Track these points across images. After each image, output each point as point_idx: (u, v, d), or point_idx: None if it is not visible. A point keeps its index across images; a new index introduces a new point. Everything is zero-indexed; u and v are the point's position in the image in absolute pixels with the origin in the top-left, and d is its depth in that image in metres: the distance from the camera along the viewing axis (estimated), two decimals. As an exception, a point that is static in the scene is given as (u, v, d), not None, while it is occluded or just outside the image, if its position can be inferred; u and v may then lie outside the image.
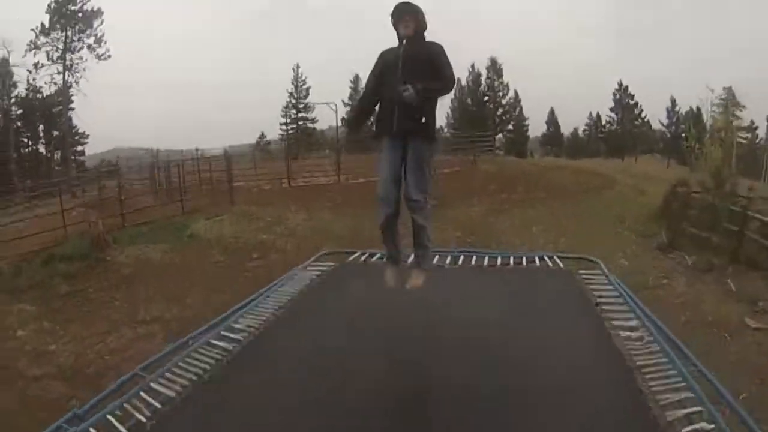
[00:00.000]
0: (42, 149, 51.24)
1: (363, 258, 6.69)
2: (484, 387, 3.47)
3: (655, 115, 56.17)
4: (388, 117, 4.22)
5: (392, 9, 4.36)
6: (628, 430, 3.10)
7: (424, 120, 4.17)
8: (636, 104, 56.30)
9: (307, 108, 57.95)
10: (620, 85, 56.19)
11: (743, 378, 7.24)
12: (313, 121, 58.42)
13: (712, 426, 2.91)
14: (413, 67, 4.16)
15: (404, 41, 4.30)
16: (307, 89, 58.10)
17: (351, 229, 14.79)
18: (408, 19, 4.27)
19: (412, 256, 4.58)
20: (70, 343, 9.27)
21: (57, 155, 50.92)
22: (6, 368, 8.69)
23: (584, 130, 59.58)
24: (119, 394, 3.54)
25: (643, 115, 56.36)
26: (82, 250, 13.03)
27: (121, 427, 3.13)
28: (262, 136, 56.30)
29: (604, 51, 76.36)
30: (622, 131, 55.78)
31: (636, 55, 79.15)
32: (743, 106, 40.32)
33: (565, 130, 59.95)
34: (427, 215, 4.32)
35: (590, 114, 58.96)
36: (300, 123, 57.86)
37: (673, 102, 54.36)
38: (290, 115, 57.93)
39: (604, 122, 58.21)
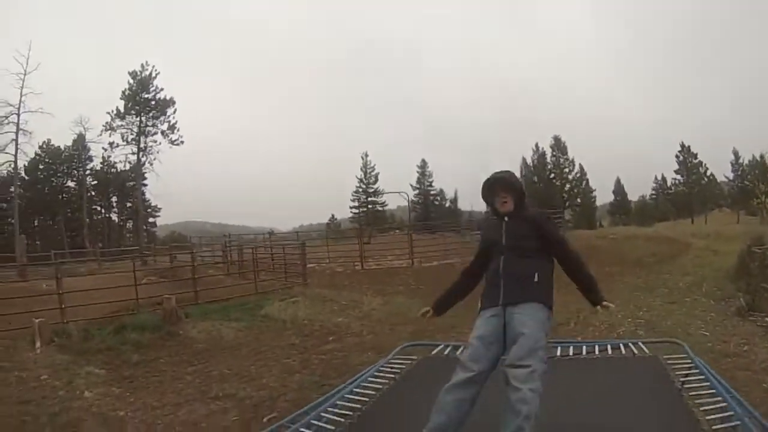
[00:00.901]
0: (114, 217, 53.36)
1: (446, 352, 6.41)
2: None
3: (720, 169, 55.96)
4: (495, 290, 3.82)
5: (482, 185, 4.06)
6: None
7: (537, 278, 3.80)
8: (700, 163, 56.45)
9: (376, 193, 59.24)
10: (683, 146, 56.80)
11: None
12: (383, 204, 59.70)
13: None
14: (518, 242, 3.86)
15: (505, 218, 3.97)
16: (376, 175, 59.66)
17: None
18: (504, 195, 3.96)
19: None
20: (139, 410, 9.17)
21: (129, 224, 52.86)
22: (72, 427, 8.62)
23: (651, 195, 59.95)
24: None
25: (708, 173, 56.25)
26: (154, 323, 13.18)
27: None
28: (333, 218, 57.22)
29: (663, 115, 76.35)
30: (689, 191, 55.43)
31: (695, 113, 79.11)
32: (808, 145, 39.66)
33: (632, 195, 60.38)
34: (537, 390, 3.35)
35: (655, 177, 59.17)
36: (370, 207, 59.06)
37: (736, 154, 54.38)
38: (360, 200, 59.24)
39: (669, 184, 58.21)
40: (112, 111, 46.61)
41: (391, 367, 5.83)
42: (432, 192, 63.81)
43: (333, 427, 4.28)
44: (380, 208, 60.18)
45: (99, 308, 13.95)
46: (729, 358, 9.92)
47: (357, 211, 59.29)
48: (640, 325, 12.54)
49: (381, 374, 5.61)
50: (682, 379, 4.98)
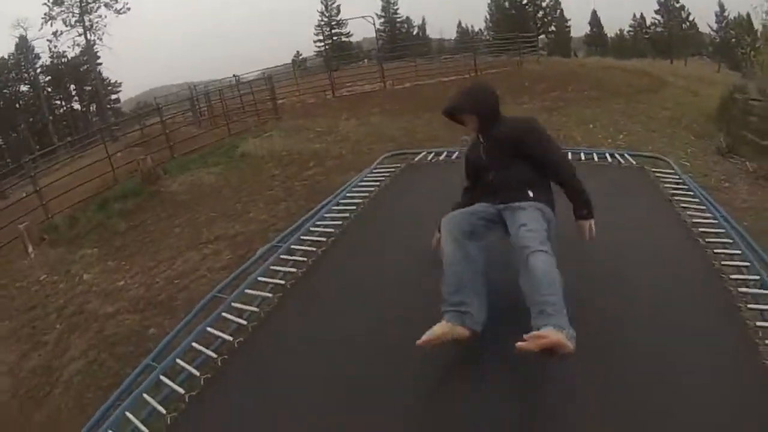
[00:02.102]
0: (77, 106, 52.17)
1: (429, 158, 6.32)
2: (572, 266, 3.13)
3: (703, 18, 53.89)
4: (489, 197, 3.26)
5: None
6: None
7: (532, 183, 3.21)
8: (682, 6, 54.26)
9: (340, 24, 57.94)
10: None
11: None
12: (348, 35, 58.37)
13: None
14: (501, 162, 3.29)
15: (481, 138, 3.42)
16: (338, 6, 57.96)
17: (403, 130, 14.58)
18: (468, 119, 3.41)
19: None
20: (137, 275, 9.27)
21: (93, 108, 51.80)
22: (80, 313, 8.74)
23: (629, 32, 58.00)
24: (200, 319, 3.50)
25: (690, 17, 54.31)
26: (134, 187, 13.08)
27: (208, 351, 3.09)
28: (298, 54, 55.91)
29: None
30: (669, 33, 53.83)
31: None
32: (796, 17, 38.45)
33: (609, 31, 58.43)
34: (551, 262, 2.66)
35: (634, 15, 57.21)
36: (335, 39, 57.89)
37: (722, 6, 52.24)
38: (324, 32, 57.97)
39: (649, 24, 56.38)
40: (49, 0, 44.34)
41: (375, 178, 5.74)
42: (398, 20, 62.21)
43: (324, 239, 4.27)
44: (345, 39, 58.96)
45: (79, 193, 13.67)
46: (711, 191, 9.84)
47: (323, 44, 58.13)
48: (621, 148, 12.05)
49: (365, 184, 5.54)
50: (671, 192, 4.99)
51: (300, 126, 16.66)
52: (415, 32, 61.31)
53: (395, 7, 61.17)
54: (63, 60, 49.26)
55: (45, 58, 48.99)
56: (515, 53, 26.66)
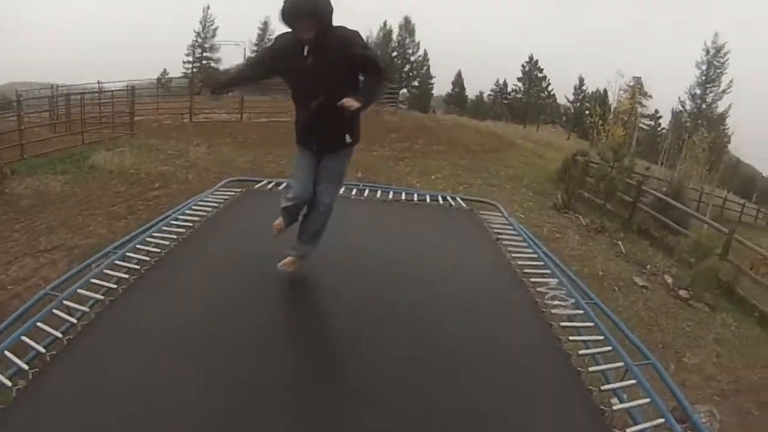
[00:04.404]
0: (-68, 82, 47.57)
1: (269, 186, 6.49)
2: (393, 303, 3.74)
3: (562, 90, 56.63)
4: (308, 135, 3.68)
5: (280, 10, 3.33)
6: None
7: (349, 139, 3.66)
8: (544, 77, 56.94)
9: (212, 48, 56.33)
10: (530, 58, 56.72)
11: (630, 324, 8.06)
12: (217, 61, 56.78)
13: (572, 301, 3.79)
14: (327, 75, 3.37)
15: (307, 47, 3.37)
16: (215, 30, 56.35)
17: (252, 163, 14.57)
18: (302, 24, 3.31)
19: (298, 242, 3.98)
20: None
21: (-52, 88, 47.46)
22: None
23: (489, 95, 59.86)
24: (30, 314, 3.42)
25: (550, 88, 57.09)
26: (-22, 183, 12.24)
27: (37, 346, 3.03)
28: (165, 72, 53.96)
29: (518, 24, 76.19)
30: (527, 101, 56.21)
31: (549, 32, 79.33)
32: (649, 96, 42.06)
33: (470, 93, 59.93)
34: (328, 217, 3.88)
35: (497, 81, 59.26)
36: (204, 62, 56.17)
37: (581, 80, 55.30)
38: (195, 54, 56.17)
39: (509, 90, 58.59)
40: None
41: (215, 199, 5.80)
42: (271, 53, 61.08)
43: (158, 250, 4.31)
44: (214, 65, 57.30)
45: None
46: (542, 240, 10.59)
47: (191, 65, 56.21)
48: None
49: (204, 204, 5.58)
50: (497, 231, 5.30)
51: (152, 146, 16.27)
52: (284, 68, 60.46)
53: (270, 37, 60.35)
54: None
55: None
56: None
